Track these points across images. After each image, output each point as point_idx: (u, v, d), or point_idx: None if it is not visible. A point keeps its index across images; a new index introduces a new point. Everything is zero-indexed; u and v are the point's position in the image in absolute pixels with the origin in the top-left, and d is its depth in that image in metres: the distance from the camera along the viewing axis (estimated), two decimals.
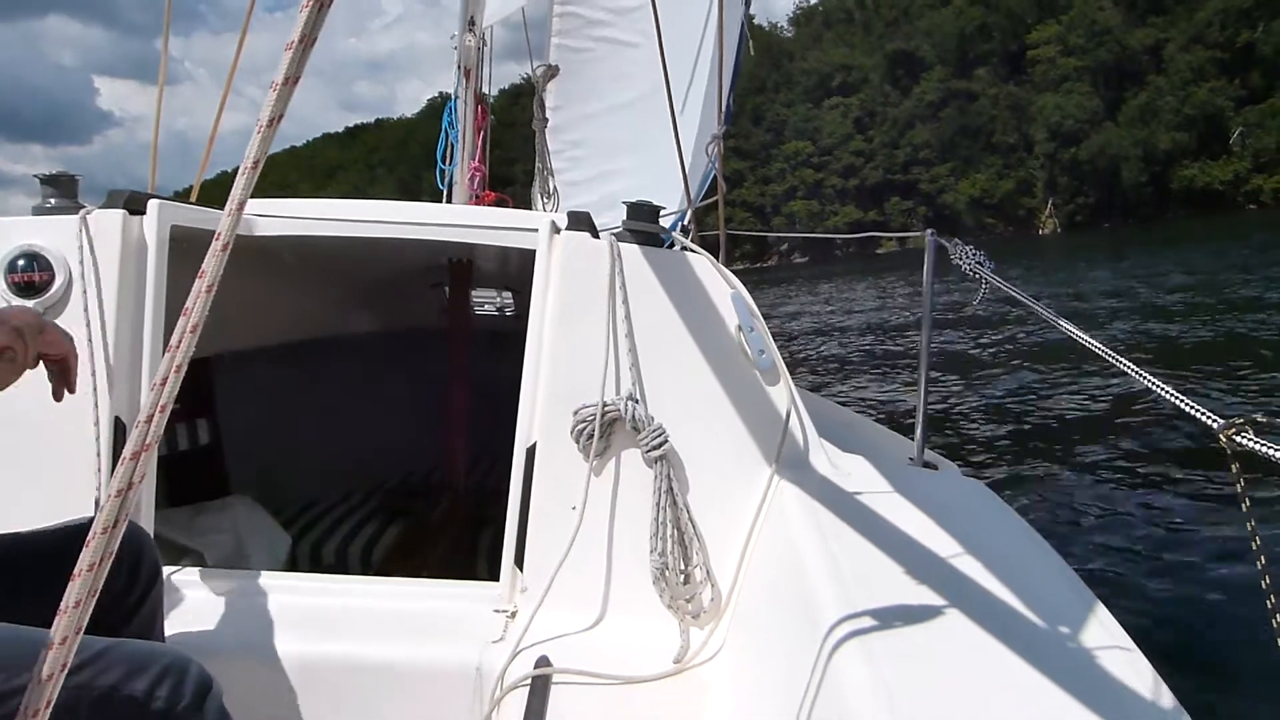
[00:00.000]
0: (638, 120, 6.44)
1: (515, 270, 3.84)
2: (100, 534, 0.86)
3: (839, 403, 7.17)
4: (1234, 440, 1.16)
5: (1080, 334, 1.95)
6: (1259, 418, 1.16)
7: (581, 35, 6.93)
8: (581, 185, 6.91)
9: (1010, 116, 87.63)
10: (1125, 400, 10.03)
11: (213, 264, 0.88)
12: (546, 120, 6.03)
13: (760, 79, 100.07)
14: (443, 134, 5.44)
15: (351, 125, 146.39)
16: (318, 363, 3.95)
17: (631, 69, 6.57)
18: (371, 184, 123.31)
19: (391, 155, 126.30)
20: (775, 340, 2.25)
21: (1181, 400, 1.43)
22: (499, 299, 4.84)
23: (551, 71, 6.42)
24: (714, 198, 4.97)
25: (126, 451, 0.85)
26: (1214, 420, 1.23)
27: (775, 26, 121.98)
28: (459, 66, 5.31)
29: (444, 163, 5.42)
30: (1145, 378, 1.61)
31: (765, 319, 2.25)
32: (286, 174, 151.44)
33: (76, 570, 0.85)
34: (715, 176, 5.08)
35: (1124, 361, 1.71)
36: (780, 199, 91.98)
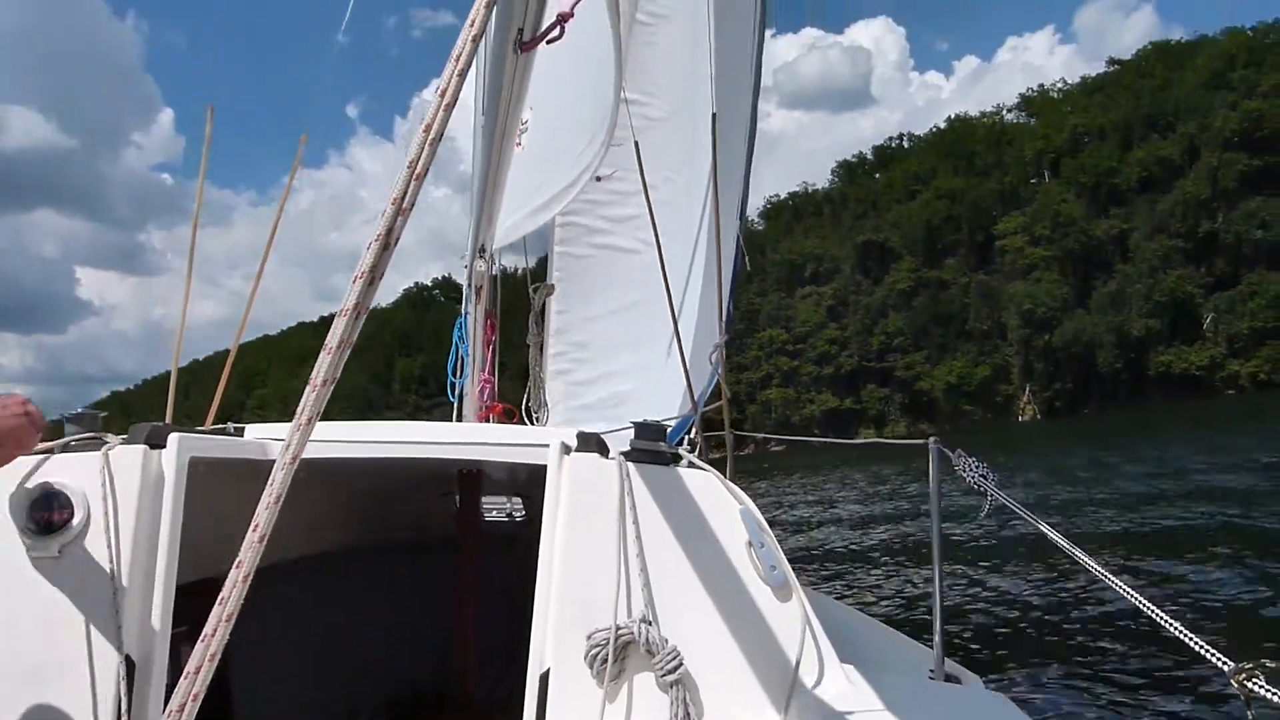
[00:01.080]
0: (640, 322, 6.78)
1: (524, 480, 4.04)
2: None
3: (848, 603, 7.25)
4: (1246, 686, 1.19)
5: (1089, 561, 2.06)
6: (1268, 662, 1.20)
7: (582, 243, 7.32)
8: (587, 385, 7.26)
9: (982, 304, 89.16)
10: (1143, 621, 8.89)
11: (265, 516, 0.99)
12: (541, 336, 6.39)
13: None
14: (453, 348, 5.70)
15: (326, 314, 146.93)
16: (325, 576, 3.93)
17: (632, 274, 6.94)
18: (345, 372, 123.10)
19: (364, 343, 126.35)
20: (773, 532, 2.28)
21: (1192, 639, 1.51)
22: (508, 504, 4.98)
23: (547, 289, 6.70)
24: (718, 403, 5.22)
25: (181, 696, 0.90)
26: (1225, 663, 1.27)
27: (747, 220, 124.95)
28: (469, 286, 5.66)
29: (454, 375, 5.67)
30: (1157, 614, 1.73)
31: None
32: (259, 361, 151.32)
33: None
34: (718, 382, 5.30)
35: (1135, 595, 1.83)
36: (756, 386, 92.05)
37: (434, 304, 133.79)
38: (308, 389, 1.14)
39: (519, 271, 7.55)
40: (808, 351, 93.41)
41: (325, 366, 1.14)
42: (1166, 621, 1.58)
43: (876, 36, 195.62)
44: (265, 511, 1.02)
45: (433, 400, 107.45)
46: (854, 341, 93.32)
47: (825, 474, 39.07)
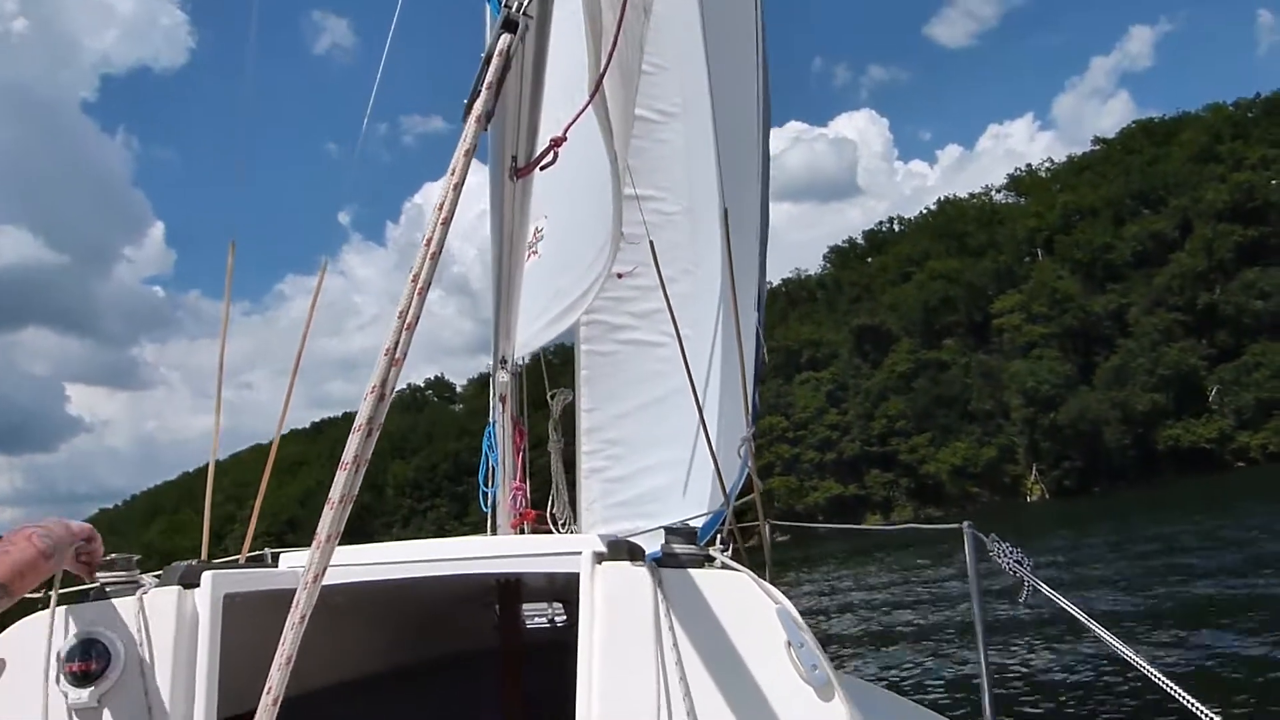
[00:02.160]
0: (670, 415, 6.87)
1: (562, 586, 4.03)
2: None
3: (887, 688, 7.19)
4: None
5: (1133, 656, 2.17)
6: None
7: (607, 340, 7.44)
8: (622, 482, 7.34)
9: (984, 384, 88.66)
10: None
11: (290, 637, 1.01)
12: (561, 442, 6.67)
13: None
14: (483, 458, 5.75)
15: (318, 420, 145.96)
16: (369, 700, 3.88)
17: (659, 366, 6.97)
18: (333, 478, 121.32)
19: None
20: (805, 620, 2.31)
21: None
22: (549, 610, 5.00)
23: (565, 396, 7.02)
24: (750, 495, 5.39)
25: None
26: None
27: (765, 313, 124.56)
28: (494, 394, 5.72)
29: (486, 485, 5.72)
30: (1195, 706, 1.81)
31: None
32: (246, 472, 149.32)
33: None
34: (750, 475, 5.46)
35: (1174, 687, 1.94)
36: (758, 476, 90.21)
37: (427, 404, 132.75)
38: (326, 508, 1.16)
39: (543, 371, 7.55)
40: (808, 438, 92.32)
41: (342, 484, 1.14)
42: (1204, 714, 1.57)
43: (860, 128, 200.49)
44: (290, 632, 1.03)
45: (427, 504, 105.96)
46: (855, 426, 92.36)
47: (838, 563, 38.46)
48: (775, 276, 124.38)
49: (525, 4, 2.36)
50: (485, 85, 2.01)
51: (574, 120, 2.89)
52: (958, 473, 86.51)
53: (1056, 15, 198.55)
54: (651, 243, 4.93)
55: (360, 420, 1.07)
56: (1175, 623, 13.07)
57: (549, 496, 6.58)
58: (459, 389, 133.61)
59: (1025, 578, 2.71)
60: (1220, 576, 16.91)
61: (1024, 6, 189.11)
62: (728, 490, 4.98)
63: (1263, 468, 71.19)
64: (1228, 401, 78.85)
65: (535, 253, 5.23)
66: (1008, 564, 2.78)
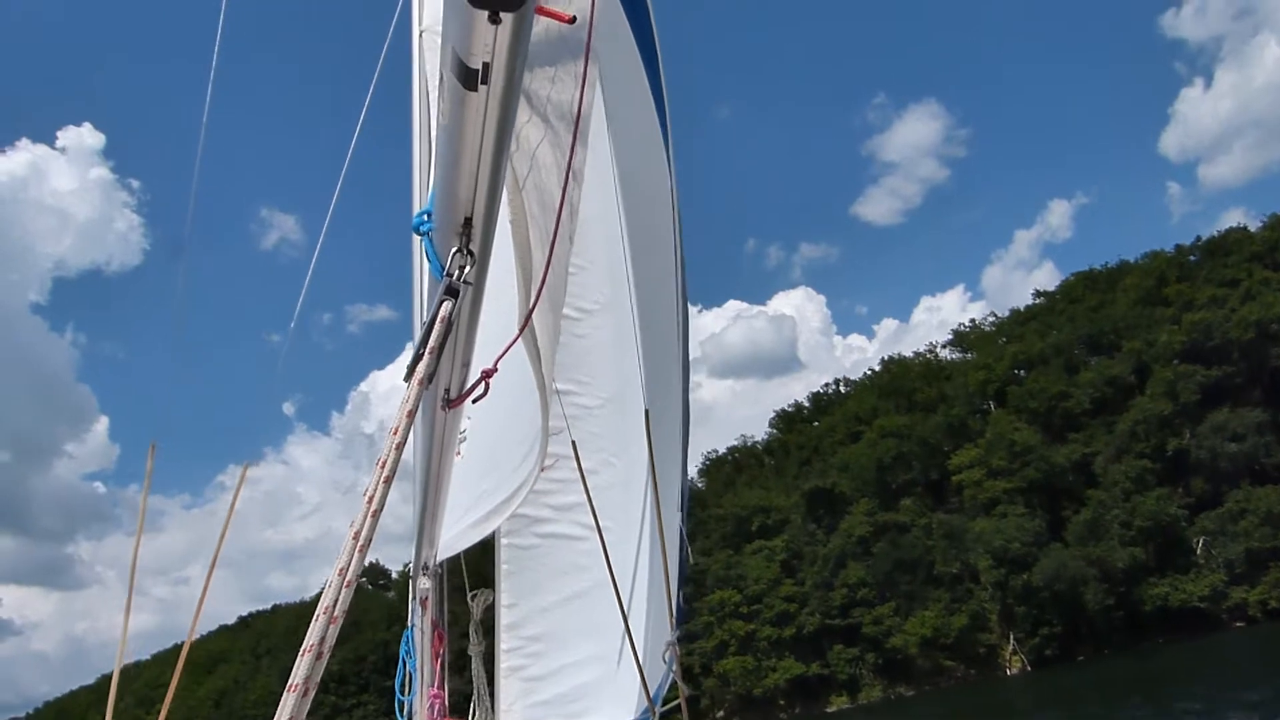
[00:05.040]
0: (593, 610, 6.84)
1: None
2: None
3: None
4: None
5: None
6: None
7: (528, 533, 7.32)
8: (544, 680, 7.26)
9: (948, 545, 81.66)
10: None
11: None
12: (482, 645, 6.97)
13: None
14: (400, 664, 5.58)
15: (245, 614, 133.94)
16: None
17: (581, 560, 6.95)
18: (254, 674, 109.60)
19: (280, 642, 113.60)
20: None
21: None
22: None
23: (486, 597, 7.15)
24: (676, 700, 5.76)
25: None
26: None
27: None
28: (413, 598, 5.65)
29: (402, 693, 5.50)
30: None
31: None
32: (166, 672, 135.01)
33: None
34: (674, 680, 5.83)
35: None
36: (710, 657, 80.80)
37: (358, 590, 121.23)
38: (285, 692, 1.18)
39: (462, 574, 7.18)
40: (764, 612, 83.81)
41: (290, 708, 1.16)
42: None
43: (798, 305, 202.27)
44: None
45: (353, 700, 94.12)
46: (814, 597, 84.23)
47: None
48: (721, 446, 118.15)
49: (465, 273, 2.50)
50: (428, 350, 2.09)
51: (504, 353, 2.96)
52: (928, 644, 78.50)
53: (976, 192, 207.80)
54: (574, 443, 5.29)
55: (310, 641, 1.01)
56: None
57: (470, 702, 6.63)
58: (394, 574, 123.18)
59: None
60: None
61: (944, 185, 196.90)
62: (652, 696, 5.20)
63: (1263, 626, 65.31)
64: (1216, 554, 71.64)
65: (458, 454, 4.83)
66: None
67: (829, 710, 71.29)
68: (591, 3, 2.51)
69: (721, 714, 79.49)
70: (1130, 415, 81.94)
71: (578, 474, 5.08)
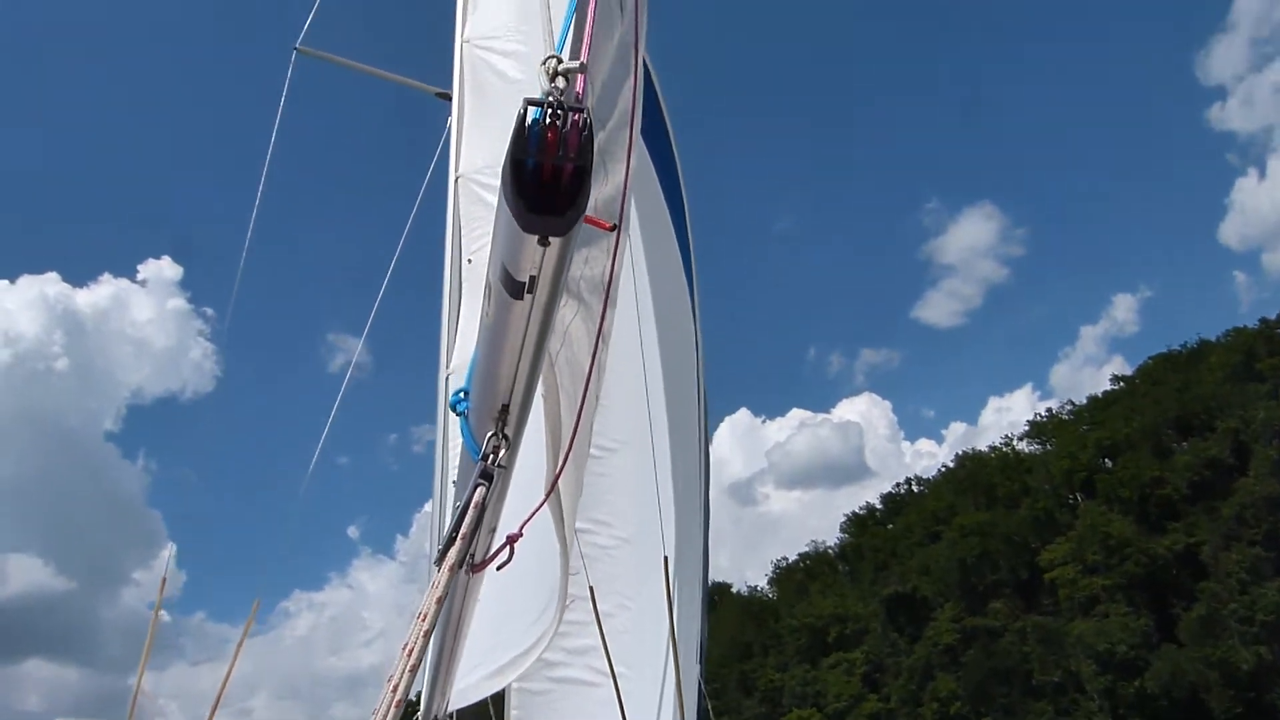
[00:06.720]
0: None
1: None
2: None
3: None
4: None
5: None
6: None
7: (541, 677, 7.16)
8: None
9: (1045, 651, 74.40)
10: None
11: None
12: None
13: (743, 643, 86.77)
14: None
15: None
16: None
17: (593, 708, 6.83)
18: None
19: None
20: None
21: None
22: None
23: None
24: None
25: None
26: None
27: (754, 590, 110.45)
28: None
29: None
30: None
31: None
32: None
33: None
34: None
35: None
36: None
37: None
38: None
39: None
40: None
41: None
42: None
43: (863, 411, 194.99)
44: None
45: None
46: (901, 714, 78.20)
47: None
48: (791, 553, 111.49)
49: (500, 456, 2.48)
50: (461, 535, 2.08)
51: (530, 518, 2.90)
52: None
53: (1037, 290, 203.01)
54: (591, 588, 5.20)
55: None
56: None
57: None
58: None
59: None
60: None
61: (1004, 284, 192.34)
62: None
63: None
64: None
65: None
66: None
67: None
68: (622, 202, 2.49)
69: None
70: (1235, 499, 74.40)
71: (593, 616, 5.05)
